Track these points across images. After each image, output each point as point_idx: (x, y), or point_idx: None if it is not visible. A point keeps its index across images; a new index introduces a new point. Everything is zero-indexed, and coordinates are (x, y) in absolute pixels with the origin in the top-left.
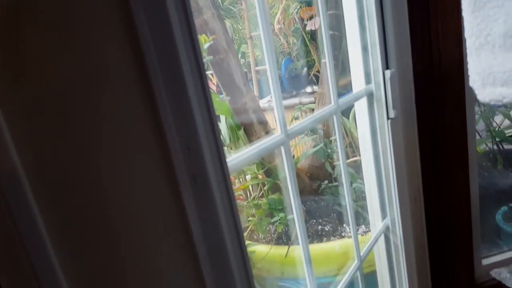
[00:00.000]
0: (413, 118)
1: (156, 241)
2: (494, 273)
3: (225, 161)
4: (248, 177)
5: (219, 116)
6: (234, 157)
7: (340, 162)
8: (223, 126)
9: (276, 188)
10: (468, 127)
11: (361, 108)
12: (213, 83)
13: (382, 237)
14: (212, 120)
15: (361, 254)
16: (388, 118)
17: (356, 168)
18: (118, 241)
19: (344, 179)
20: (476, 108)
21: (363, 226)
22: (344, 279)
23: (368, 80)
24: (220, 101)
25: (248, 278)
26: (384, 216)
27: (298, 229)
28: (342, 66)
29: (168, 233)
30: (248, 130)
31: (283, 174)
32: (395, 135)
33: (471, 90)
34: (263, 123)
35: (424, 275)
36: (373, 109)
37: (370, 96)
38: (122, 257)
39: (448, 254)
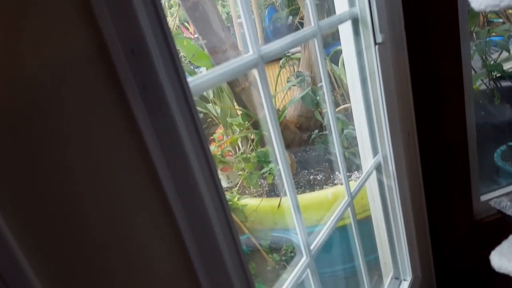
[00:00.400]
0: (403, 43)
1: (108, 159)
2: (494, 202)
3: (181, 66)
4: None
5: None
6: (200, 76)
7: (325, 92)
8: None
9: (264, 141)
10: (462, 57)
11: (346, 35)
12: (190, 32)
13: (375, 178)
14: (160, 17)
15: (352, 191)
16: (375, 43)
17: (347, 117)
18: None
19: (329, 112)
20: (471, 43)
21: (356, 172)
22: (334, 215)
23: (352, 3)
24: (196, 44)
25: (219, 195)
26: (375, 152)
27: (281, 164)
28: (328, 12)
29: (119, 146)
30: (231, 81)
31: (268, 127)
32: (383, 62)
33: (464, 16)
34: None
35: (421, 213)
36: (359, 34)
37: (355, 20)
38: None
39: (445, 190)
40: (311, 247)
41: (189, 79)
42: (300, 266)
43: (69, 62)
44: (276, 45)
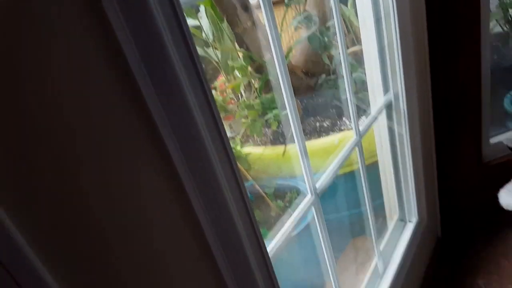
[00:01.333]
0: None
1: (83, 81)
2: (506, 140)
3: None
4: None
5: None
6: None
7: (336, 28)
8: (204, 21)
9: (269, 87)
10: None
11: None
12: None
13: (385, 121)
14: None
15: (360, 129)
16: None
17: (357, 61)
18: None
19: (340, 45)
20: None
21: (363, 117)
22: (342, 153)
23: None
24: None
25: (208, 102)
26: (386, 90)
27: (288, 107)
28: None
29: (93, 65)
30: (232, 20)
31: (274, 71)
32: None
33: None
34: (249, 10)
35: (429, 154)
36: None
37: None
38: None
39: (455, 131)
40: (317, 185)
41: None
42: (305, 204)
43: None
44: None
